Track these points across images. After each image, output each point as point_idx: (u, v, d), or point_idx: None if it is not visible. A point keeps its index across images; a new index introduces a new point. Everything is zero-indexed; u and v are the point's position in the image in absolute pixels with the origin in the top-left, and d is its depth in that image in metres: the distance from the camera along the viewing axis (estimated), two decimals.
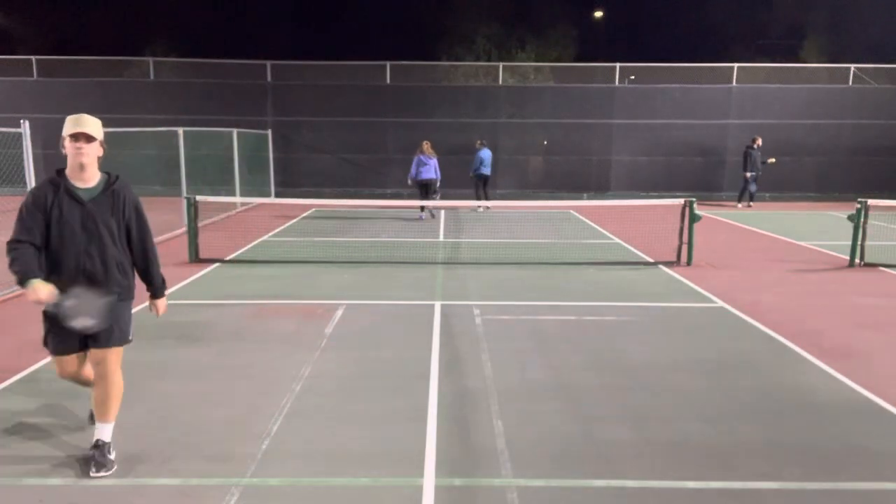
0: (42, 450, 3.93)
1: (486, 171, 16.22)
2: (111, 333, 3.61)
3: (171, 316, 6.81)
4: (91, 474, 3.62)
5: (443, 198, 15.30)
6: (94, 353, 3.64)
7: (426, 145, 14.41)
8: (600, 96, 19.17)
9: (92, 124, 3.54)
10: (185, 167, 12.23)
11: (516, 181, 19.40)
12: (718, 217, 15.33)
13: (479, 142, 16.54)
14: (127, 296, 3.71)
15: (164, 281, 3.90)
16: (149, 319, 6.66)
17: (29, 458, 3.84)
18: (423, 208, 14.87)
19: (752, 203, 17.83)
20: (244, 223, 13.48)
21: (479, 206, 16.09)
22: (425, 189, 14.34)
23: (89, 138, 3.52)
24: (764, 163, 17.55)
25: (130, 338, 3.78)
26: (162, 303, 3.95)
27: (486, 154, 16.21)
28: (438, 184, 14.54)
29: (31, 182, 8.04)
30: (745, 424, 4.36)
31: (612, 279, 8.72)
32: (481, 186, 16.38)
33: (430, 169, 14.22)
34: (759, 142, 17.46)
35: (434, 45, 28.26)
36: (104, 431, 3.76)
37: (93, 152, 3.56)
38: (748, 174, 17.43)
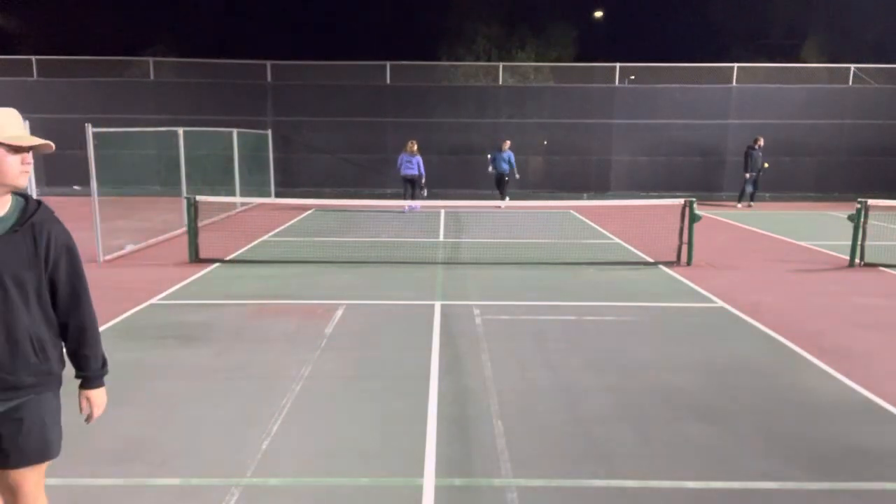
0: None
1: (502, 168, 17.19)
2: (27, 446, 2.43)
3: (171, 316, 6.82)
4: None
5: (445, 198, 16.47)
6: (4, 475, 2.44)
7: (411, 145, 15.72)
8: (600, 96, 19.16)
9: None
10: (185, 167, 12.23)
11: (516, 181, 19.39)
12: (718, 217, 15.33)
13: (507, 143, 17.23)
14: (48, 386, 2.51)
15: (104, 363, 2.69)
16: (148, 319, 6.68)
17: None
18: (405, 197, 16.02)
19: (752, 203, 17.81)
20: (244, 223, 13.48)
21: (500, 204, 16.44)
22: (411, 184, 15.74)
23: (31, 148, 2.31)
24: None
25: (56, 452, 2.60)
26: (97, 396, 2.70)
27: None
28: (423, 180, 15.84)
29: (32, 182, 8.04)
30: (745, 424, 4.36)
31: (612, 279, 8.72)
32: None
33: (414, 166, 15.63)
34: (761, 142, 17.44)
35: (434, 45, 28.29)
36: None
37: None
38: (748, 174, 17.41)
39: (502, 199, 16.77)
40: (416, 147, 15.77)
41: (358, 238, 11.99)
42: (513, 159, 17.05)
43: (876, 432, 4.28)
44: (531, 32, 29.11)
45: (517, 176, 17.25)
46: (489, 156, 17.28)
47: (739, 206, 17.71)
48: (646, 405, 4.65)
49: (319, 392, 4.84)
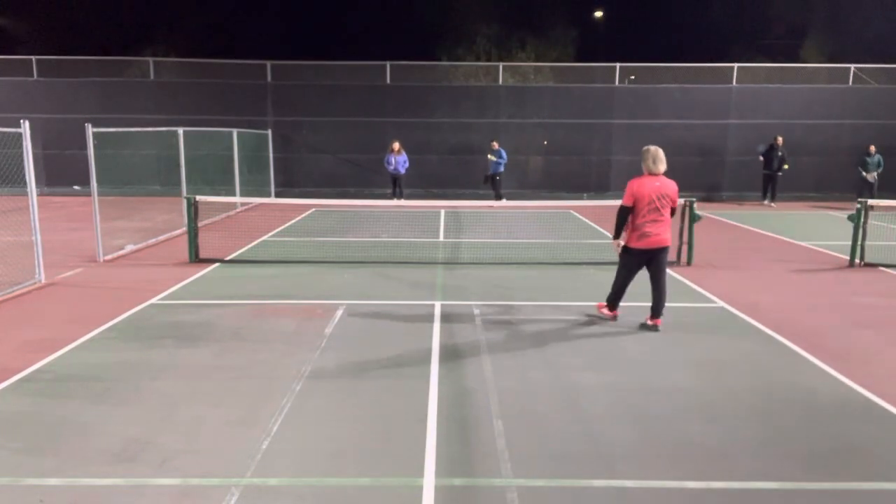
0: (42, 450, 3.93)
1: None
2: None
3: (171, 316, 6.82)
4: None
5: (445, 198, 17.27)
6: None
7: (396, 145, 16.85)
8: (600, 96, 19.15)
9: None
10: (185, 167, 12.23)
11: (516, 181, 19.38)
12: (721, 217, 15.32)
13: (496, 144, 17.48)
14: None
15: None
16: (148, 319, 6.68)
17: (29, 458, 3.84)
18: (393, 194, 17.17)
19: (766, 201, 17.90)
20: (244, 223, 13.48)
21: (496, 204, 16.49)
22: (396, 181, 16.99)
23: None
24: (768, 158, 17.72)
25: None
26: None
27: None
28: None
29: (32, 182, 8.04)
30: (745, 424, 4.36)
31: (612, 279, 8.69)
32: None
33: (400, 165, 16.83)
34: (780, 140, 17.48)
35: (434, 45, 28.23)
36: None
37: None
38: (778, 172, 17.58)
39: (498, 198, 16.87)
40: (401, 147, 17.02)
41: (358, 238, 11.99)
42: (504, 155, 17.30)
43: (876, 432, 4.27)
44: (531, 32, 29.08)
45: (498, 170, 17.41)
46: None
47: (774, 204, 17.75)
48: (646, 405, 4.65)
49: (320, 392, 4.84)
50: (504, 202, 16.52)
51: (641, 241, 6.25)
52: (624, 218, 6.30)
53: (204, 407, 4.56)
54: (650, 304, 6.49)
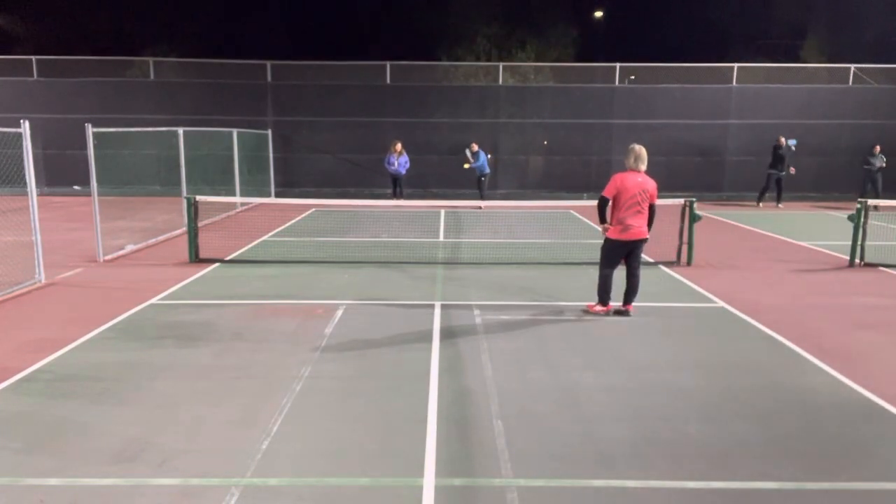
0: (42, 450, 3.93)
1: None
2: None
3: (171, 316, 6.82)
4: None
5: (445, 198, 17.32)
6: None
7: (399, 145, 16.66)
8: (600, 96, 19.15)
9: None
10: (185, 167, 12.23)
11: (516, 181, 19.39)
12: (721, 217, 15.32)
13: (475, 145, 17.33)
14: None
15: None
16: (148, 319, 6.69)
17: (29, 457, 3.85)
18: (394, 195, 17.03)
19: (759, 203, 17.77)
20: (244, 223, 13.48)
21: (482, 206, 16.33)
22: (397, 181, 16.88)
23: None
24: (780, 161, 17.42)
25: None
26: None
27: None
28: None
29: (32, 182, 8.04)
30: (745, 424, 4.36)
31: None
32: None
33: (402, 165, 16.71)
34: (783, 141, 17.27)
35: (434, 45, 28.21)
36: None
37: None
38: (771, 171, 17.25)
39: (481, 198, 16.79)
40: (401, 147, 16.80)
41: (358, 238, 11.99)
42: (482, 156, 17.11)
43: (876, 432, 4.28)
44: (531, 32, 29.05)
45: (466, 166, 17.12)
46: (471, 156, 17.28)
47: (781, 205, 17.49)
48: (646, 405, 4.65)
49: (319, 392, 4.84)
50: (482, 203, 16.22)
51: (624, 233, 6.73)
52: (604, 207, 6.80)
53: (204, 407, 4.56)
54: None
